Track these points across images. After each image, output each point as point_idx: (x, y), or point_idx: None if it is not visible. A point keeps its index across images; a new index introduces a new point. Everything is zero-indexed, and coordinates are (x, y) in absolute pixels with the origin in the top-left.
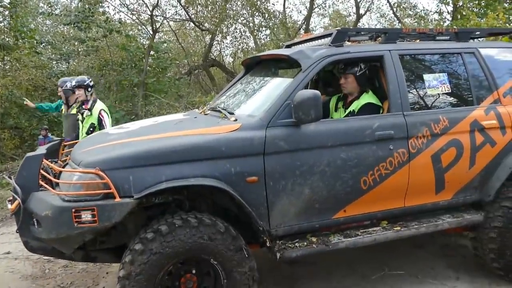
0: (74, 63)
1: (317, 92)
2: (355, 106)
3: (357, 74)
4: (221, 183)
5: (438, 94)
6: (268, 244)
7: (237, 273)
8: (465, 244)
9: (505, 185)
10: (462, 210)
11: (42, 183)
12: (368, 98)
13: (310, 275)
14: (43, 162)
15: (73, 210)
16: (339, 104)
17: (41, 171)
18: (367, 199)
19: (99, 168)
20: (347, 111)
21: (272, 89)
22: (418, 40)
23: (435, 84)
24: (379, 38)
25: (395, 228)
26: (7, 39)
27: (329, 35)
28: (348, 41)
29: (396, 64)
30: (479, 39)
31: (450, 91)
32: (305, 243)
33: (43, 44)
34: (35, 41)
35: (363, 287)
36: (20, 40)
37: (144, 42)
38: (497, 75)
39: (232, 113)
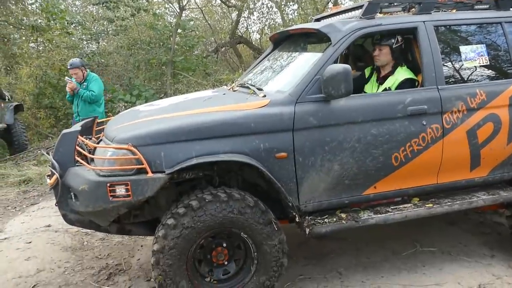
0: (104, 43)
1: (348, 66)
2: (391, 82)
3: (393, 46)
4: (250, 159)
5: (476, 66)
6: (297, 220)
7: (267, 246)
8: (501, 221)
9: None
10: (498, 187)
11: (78, 158)
12: (404, 73)
13: (340, 250)
14: (78, 139)
15: (108, 184)
16: (372, 76)
17: (77, 147)
18: (398, 175)
19: (131, 144)
20: (383, 87)
21: (301, 64)
22: (454, 10)
23: (473, 56)
24: (413, 9)
25: (427, 205)
26: (39, 20)
27: (360, 7)
28: (380, 13)
29: (430, 36)
30: None
31: (488, 63)
32: (335, 219)
33: (74, 24)
34: (66, 22)
35: (393, 263)
36: (52, 21)
37: (171, 20)
38: None
39: (260, 89)
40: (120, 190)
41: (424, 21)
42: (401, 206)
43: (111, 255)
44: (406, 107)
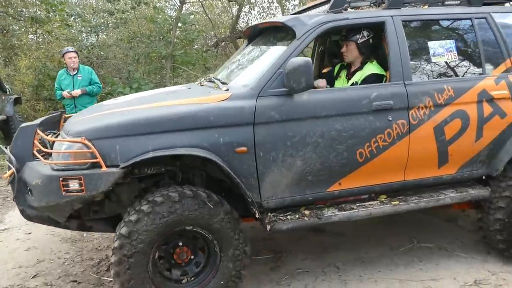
0: (103, 36)
1: (308, 59)
2: (358, 77)
3: (359, 42)
4: (208, 153)
5: (444, 62)
6: (257, 216)
7: (228, 239)
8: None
9: None
10: (467, 185)
11: (36, 153)
12: (372, 68)
13: (338, 245)
14: (38, 133)
15: (61, 179)
16: (341, 73)
17: (37, 141)
18: (363, 172)
19: (85, 137)
20: (350, 82)
21: (267, 58)
22: (426, 6)
23: (441, 52)
24: (383, 4)
25: (393, 202)
26: (39, 12)
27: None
28: (348, 7)
29: (398, 31)
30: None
31: (457, 59)
32: (297, 216)
33: (73, 17)
34: (65, 14)
35: (390, 258)
36: (51, 13)
37: (171, 14)
38: (511, 42)
39: (225, 83)
40: (74, 185)
41: (392, 16)
42: (367, 203)
43: (110, 247)
44: (371, 102)
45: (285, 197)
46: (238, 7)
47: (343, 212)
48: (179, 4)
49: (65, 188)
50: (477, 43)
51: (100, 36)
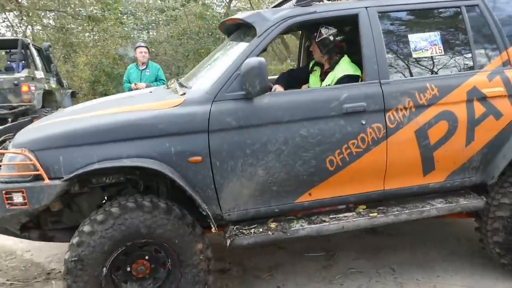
0: (154, 33)
1: (261, 60)
2: (330, 79)
3: (317, 41)
4: (159, 163)
5: (428, 57)
6: (213, 230)
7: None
8: None
9: None
10: (459, 194)
11: None
12: (343, 68)
13: (394, 246)
14: None
15: (4, 192)
16: (315, 68)
17: None
18: (335, 181)
19: (26, 149)
20: (323, 85)
21: (229, 58)
22: None
23: (424, 46)
24: None
25: (371, 214)
26: (95, 11)
27: None
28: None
29: (373, 24)
30: None
31: (443, 53)
32: (261, 229)
33: (126, 15)
34: (119, 12)
35: (450, 262)
36: (106, 12)
37: (220, 11)
38: (509, 31)
39: (184, 86)
40: (17, 198)
41: (366, 7)
42: (341, 215)
43: None
44: (342, 105)
45: (248, 209)
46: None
47: (312, 226)
48: (227, 0)
49: (8, 201)
50: (467, 34)
51: (150, 33)
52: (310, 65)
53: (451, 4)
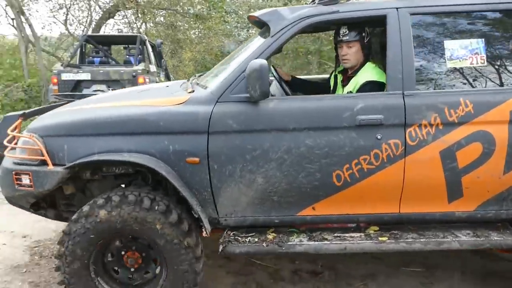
0: (253, 31)
1: (263, 62)
2: (353, 86)
3: (366, 41)
4: (156, 161)
5: (466, 68)
6: (204, 233)
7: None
8: None
9: None
10: (493, 227)
11: (5, 143)
12: (368, 74)
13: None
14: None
15: (14, 173)
16: (338, 79)
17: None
18: (342, 198)
19: (34, 134)
20: (345, 91)
21: (241, 56)
22: None
23: (463, 55)
24: None
25: (381, 238)
26: (202, 9)
27: None
28: None
29: (403, 27)
30: None
31: (486, 64)
32: (257, 239)
33: (230, 13)
34: (224, 11)
35: None
36: (212, 10)
37: None
38: None
39: (197, 84)
40: (25, 180)
41: (397, 8)
42: (347, 234)
43: None
44: (355, 116)
45: (246, 216)
46: None
47: (311, 243)
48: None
49: (17, 182)
50: None
51: (249, 31)
52: (331, 81)
53: (505, 6)
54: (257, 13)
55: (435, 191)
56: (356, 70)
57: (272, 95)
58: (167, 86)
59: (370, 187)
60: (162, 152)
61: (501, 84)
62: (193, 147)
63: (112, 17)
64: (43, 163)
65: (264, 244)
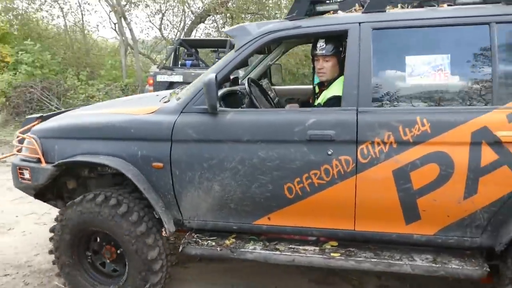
0: None
1: (211, 77)
2: (321, 99)
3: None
4: (124, 164)
5: (427, 85)
6: (163, 233)
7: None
8: None
9: None
10: (457, 255)
11: (15, 143)
12: (336, 88)
13: None
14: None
15: (18, 168)
16: (316, 90)
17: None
18: (295, 210)
19: (33, 136)
20: (316, 103)
21: (210, 70)
22: (445, 5)
23: (424, 71)
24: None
25: (333, 254)
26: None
27: None
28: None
29: (363, 42)
30: None
31: (449, 81)
32: (214, 243)
33: None
34: None
35: None
36: None
37: None
38: None
39: (177, 94)
40: (26, 174)
41: (360, 22)
42: (302, 247)
43: None
44: (306, 130)
45: (207, 220)
46: None
47: (262, 251)
48: None
49: (20, 176)
50: (491, 59)
51: None
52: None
53: (475, 20)
54: (226, 29)
55: (390, 211)
56: (329, 83)
57: (242, 107)
58: (157, 95)
59: (321, 202)
60: (132, 156)
61: (465, 103)
62: (158, 153)
63: (203, 22)
64: (39, 160)
65: (218, 249)
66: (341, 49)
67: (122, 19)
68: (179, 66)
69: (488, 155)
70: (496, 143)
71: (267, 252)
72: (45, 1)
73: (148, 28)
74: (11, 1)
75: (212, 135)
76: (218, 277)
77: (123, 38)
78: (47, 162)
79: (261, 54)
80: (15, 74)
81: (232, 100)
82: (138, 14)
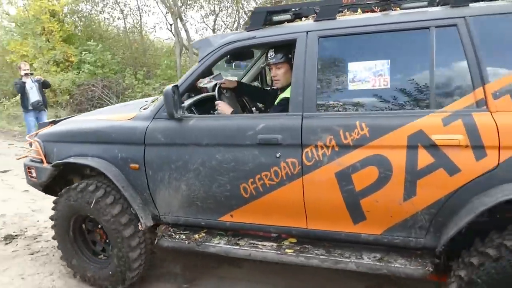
0: None
1: (168, 87)
2: (276, 101)
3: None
4: (106, 164)
5: (368, 90)
6: (140, 227)
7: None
8: None
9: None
10: (404, 254)
11: (27, 145)
12: (288, 92)
13: None
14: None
15: (27, 167)
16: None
17: None
18: (252, 209)
19: (38, 140)
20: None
21: None
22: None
23: (365, 77)
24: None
25: (287, 250)
26: None
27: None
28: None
29: (309, 50)
30: None
31: (389, 86)
32: (184, 237)
33: None
34: None
35: None
36: None
37: None
38: (492, 61)
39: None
40: (33, 173)
41: (307, 31)
42: (261, 243)
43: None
44: (257, 135)
45: (179, 216)
46: None
47: (224, 246)
48: None
49: (29, 174)
50: (430, 64)
51: None
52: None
53: (417, 24)
54: (193, 42)
55: (337, 211)
56: (284, 89)
57: (212, 113)
58: (146, 101)
59: (273, 201)
60: (113, 158)
61: (403, 108)
62: (134, 156)
63: None
64: (42, 161)
65: (187, 242)
66: (290, 56)
67: (178, 20)
68: (233, 67)
69: (424, 158)
70: (432, 146)
71: (228, 246)
72: (107, 4)
73: (202, 29)
74: (77, 4)
75: (177, 139)
76: (272, 277)
77: (179, 38)
78: (48, 163)
79: (249, 58)
80: (79, 73)
81: (210, 106)
82: (193, 15)
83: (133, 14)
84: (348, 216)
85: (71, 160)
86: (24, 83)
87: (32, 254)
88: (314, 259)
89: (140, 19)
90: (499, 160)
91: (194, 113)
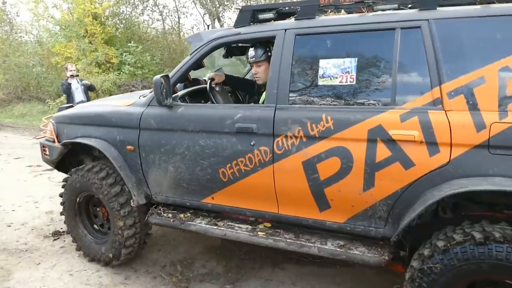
0: None
1: (157, 77)
2: (262, 98)
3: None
4: (107, 145)
5: (335, 86)
6: (132, 204)
7: (113, 217)
8: None
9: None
10: (366, 243)
11: (44, 128)
12: None
13: None
14: None
15: (42, 146)
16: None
17: None
18: (229, 192)
19: (52, 121)
20: (260, 102)
21: None
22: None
23: (334, 73)
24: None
25: (259, 233)
26: None
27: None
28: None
29: (286, 47)
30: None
31: (354, 83)
32: (171, 216)
33: None
34: None
35: None
36: None
37: None
38: (449, 62)
39: None
40: (47, 151)
41: (286, 29)
42: (237, 224)
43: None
44: (235, 123)
45: (168, 196)
46: None
47: (203, 225)
48: None
49: (44, 152)
50: (393, 63)
51: None
52: None
53: (385, 25)
54: (186, 37)
55: (304, 198)
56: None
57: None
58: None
59: (247, 186)
60: (113, 140)
61: (367, 104)
62: (130, 138)
63: None
64: (54, 141)
65: (171, 220)
66: (269, 53)
67: (216, 20)
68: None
69: (382, 151)
70: (389, 141)
71: (207, 226)
72: (146, 6)
73: None
74: (118, 7)
75: (167, 125)
76: (314, 280)
77: None
78: (59, 142)
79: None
80: (119, 74)
81: (205, 97)
82: (230, 16)
83: (171, 15)
84: (314, 204)
85: (77, 140)
86: (70, 84)
87: (79, 250)
88: (281, 242)
89: (178, 20)
90: (450, 156)
91: (187, 102)
